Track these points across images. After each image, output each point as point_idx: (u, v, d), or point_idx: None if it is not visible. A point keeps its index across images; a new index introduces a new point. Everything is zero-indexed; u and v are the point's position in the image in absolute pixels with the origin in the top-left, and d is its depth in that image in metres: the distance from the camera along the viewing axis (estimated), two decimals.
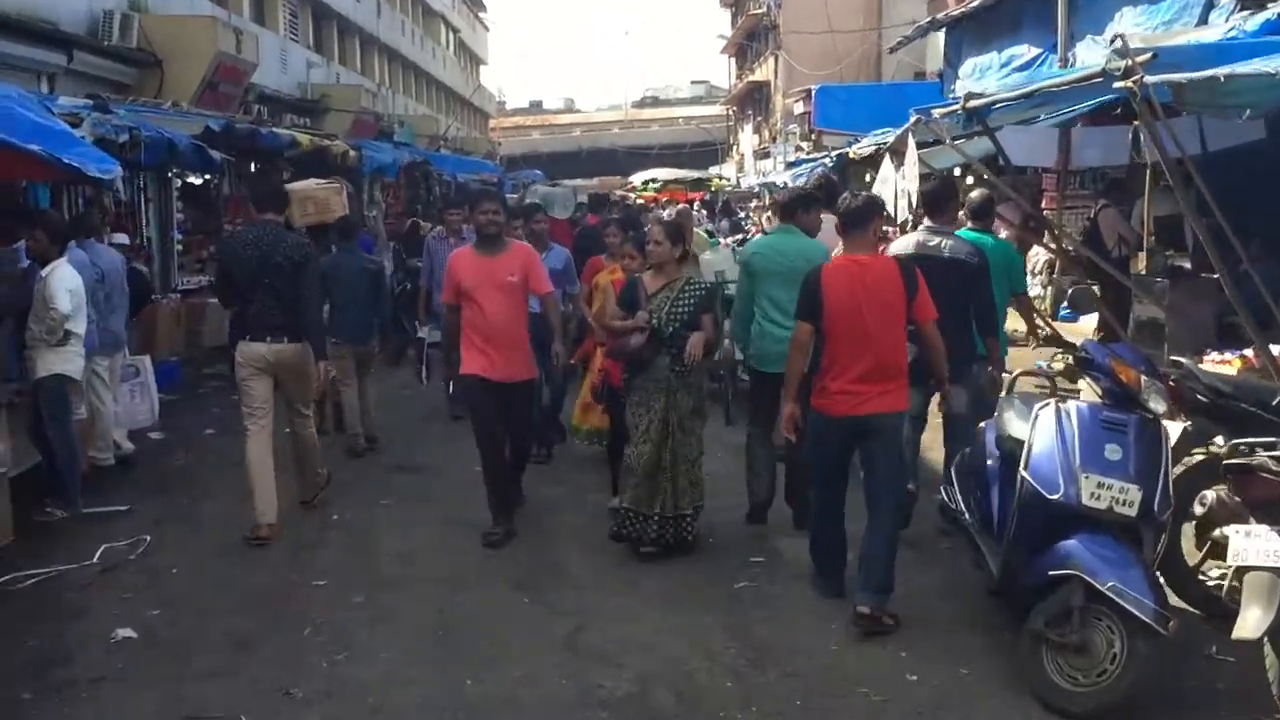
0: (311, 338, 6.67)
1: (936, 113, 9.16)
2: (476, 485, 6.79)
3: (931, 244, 6.38)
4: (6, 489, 6.58)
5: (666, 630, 5.21)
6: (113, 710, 4.50)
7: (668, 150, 59.21)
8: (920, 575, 5.83)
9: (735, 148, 55.64)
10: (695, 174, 36.40)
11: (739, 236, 21.85)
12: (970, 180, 12.88)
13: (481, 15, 63.59)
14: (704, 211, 31.86)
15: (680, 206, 19.33)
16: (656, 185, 31.50)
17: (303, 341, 6.65)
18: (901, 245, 6.52)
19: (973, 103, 8.26)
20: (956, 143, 9.85)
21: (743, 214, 33.19)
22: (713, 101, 74.50)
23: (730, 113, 58.49)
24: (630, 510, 6.11)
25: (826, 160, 22.16)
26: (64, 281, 6.77)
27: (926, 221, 6.62)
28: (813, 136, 35.31)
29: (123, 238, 10.26)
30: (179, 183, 12.71)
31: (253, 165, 15.31)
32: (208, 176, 13.49)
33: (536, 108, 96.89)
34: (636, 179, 34.14)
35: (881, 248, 6.23)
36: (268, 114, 21.17)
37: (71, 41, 15.32)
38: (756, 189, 35.85)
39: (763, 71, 46.92)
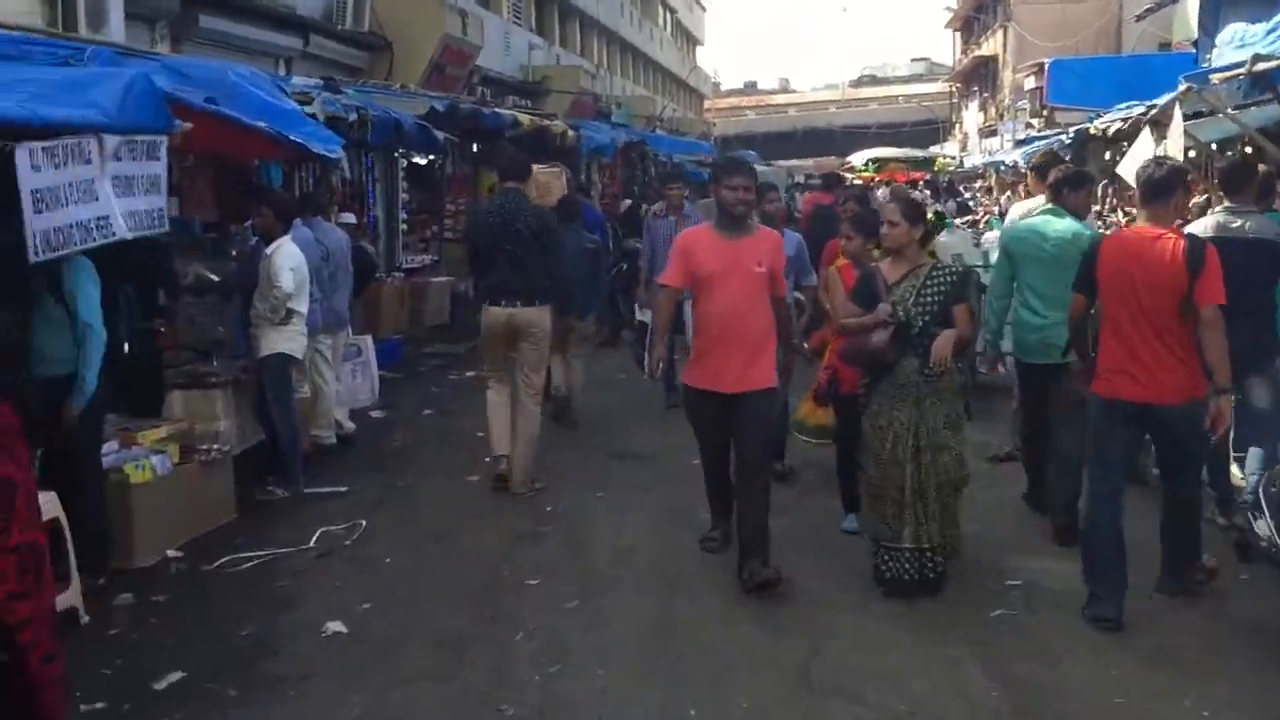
0: (557, 300, 7.09)
1: (1215, 79, 8.15)
2: (695, 477, 6.28)
3: (1234, 225, 5.57)
4: (230, 467, 6.58)
5: (911, 662, 4.59)
6: (319, 711, 4.28)
7: (886, 129, 57.56)
8: (1217, 609, 4.99)
9: (959, 126, 53.43)
10: (917, 153, 34.88)
11: (968, 218, 20.67)
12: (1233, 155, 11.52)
13: None
14: (928, 192, 30.54)
15: (894, 185, 18.52)
16: (875, 165, 30.33)
17: (538, 306, 6.93)
18: (1200, 226, 5.68)
19: (1261, 65, 7.24)
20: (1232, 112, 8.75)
21: (968, 194, 31.59)
22: (934, 79, 72.21)
23: (954, 90, 56.16)
24: (887, 547, 5.27)
25: (1063, 137, 20.87)
26: (288, 259, 6.71)
27: (1225, 201, 5.77)
28: (1044, 113, 33.32)
29: (349, 217, 10.32)
30: (404, 163, 12.82)
31: (475, 146, 15.37)
32: (432, 157, 13.56)
33: (751, 88, 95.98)
34: (856, 159, 33.05)
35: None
36: (490, 95, 21.43)
37: (307, 26, 15.80)
38: (982, 168, 34.10)
39: (990, 46, 44.71)
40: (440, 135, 11.86)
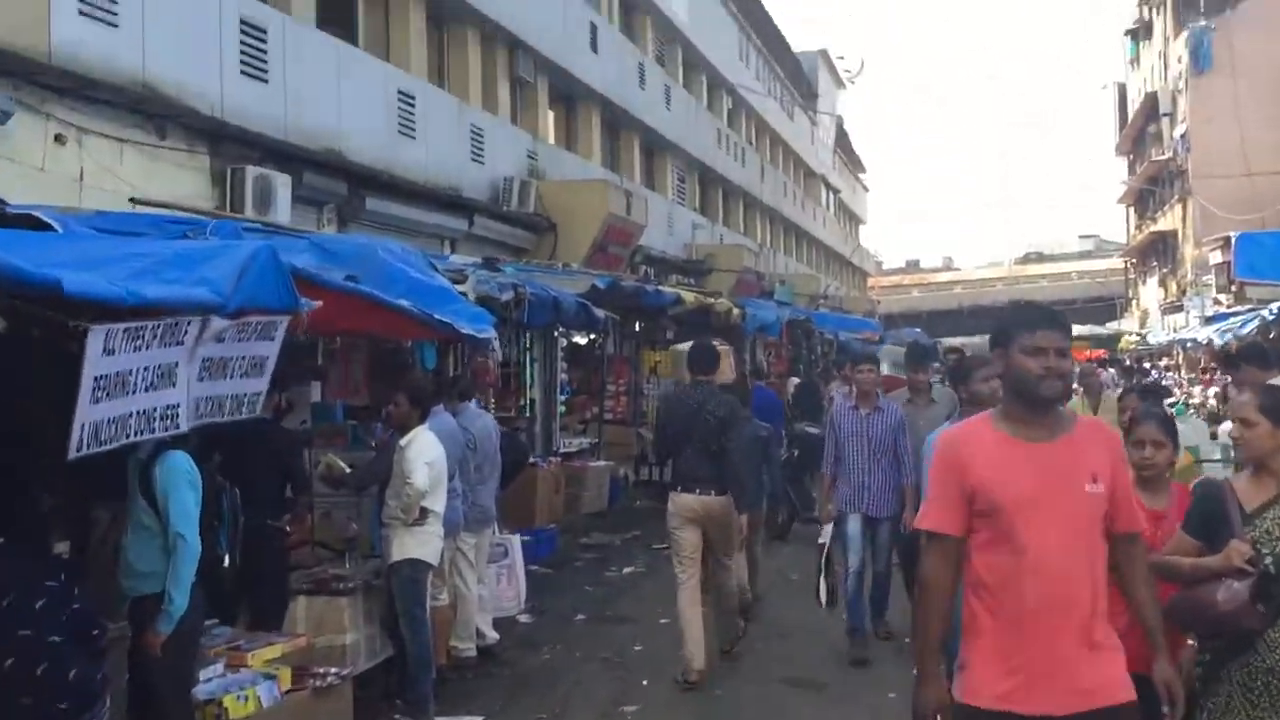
0: (736, 490, 6.89)
1: None
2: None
3: None
4: (349, 694, 5.68)
5: None
6: None
7: (1057, 306, 55.18)
8: None
9: (1135, 302, 51.17)
10: (1099, 329, 33.14)
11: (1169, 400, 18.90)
12: None
13: (861, 176, 63.54)
14: (1112, 370, 28.68)
15: (1083, 364, 17.02)
16: None
17: (728, 494, 6.84)
18: None
19: None
20: None
21: (1155, 373, 29.56)
22: (1104, 255, 70.56)
23: (1129, 265, 54.15)
24: None
25: (1265, 313, 19.15)
26: (423, 452, 5.95)
27: None
28: (1232, 288, 31.40)
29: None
30: (564, 342, 12.29)
31: (637, 324, 14.84)
32: (592, 336, 13.03)
33: (914, 266, 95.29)
34: None
35: None
36: (654, 274, 21.12)
37: (473, 207, 15.78)
38: (1167, 345, 32.13)
39: (1168, 220, 42.91)
40: (600, 313, 11.28)
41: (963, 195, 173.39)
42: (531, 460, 11.02)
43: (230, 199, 10.91)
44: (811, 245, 45.81)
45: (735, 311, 16.63)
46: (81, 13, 8.91)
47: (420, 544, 6.02)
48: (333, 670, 5.54)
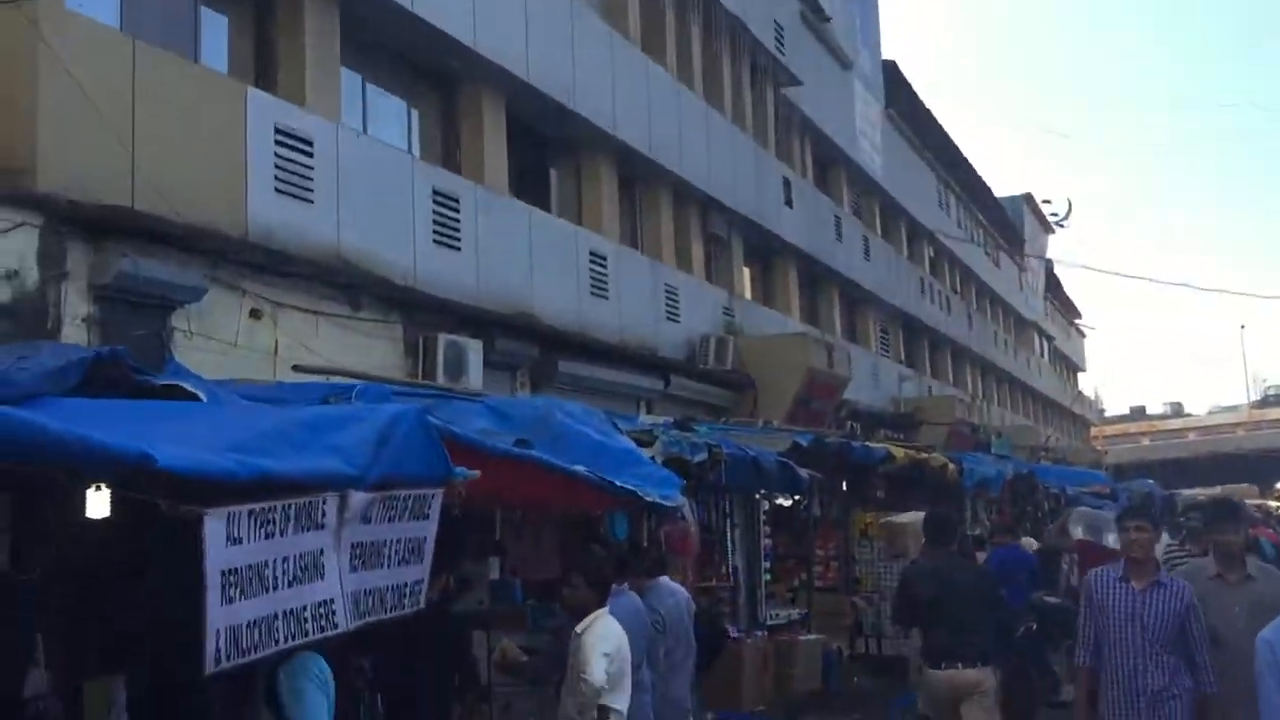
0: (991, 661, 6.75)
1: None
2: None
3: None
4: None
5: None
6: None
7: None
8: None
9: None
10: None
11: None
12: None
13: (1077, 321, 60.66)
14: None
15: None
16: None
17: (980, 667, 6.68)
18: None
19: None
20: None
21: None
22: None
23: None
24: None
25: None
26: (602, 642, 5.16)
27: None
28: None
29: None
30: (766, 505, 11.40)
31: (844, 484, 13.81)
32: (796, 497, 12.11)
33: (1139, 414, 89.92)
34: None
35: None
36: (859, 429, 20.07)
37: (668, 366, 15.35)
38: None
39: None
40: (804, 473, 10.41)
41: (1189, 335, 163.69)
42: (735, 634, 10.09)
43: (422, 367, 10.80)
44: (1028, 395, 43.51)
45: (951, 467, 15.36)
46: (278, 190, 9.05)
47: None
48: None
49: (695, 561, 9.35)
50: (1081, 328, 61.62)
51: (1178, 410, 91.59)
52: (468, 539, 5.99)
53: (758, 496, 11.25)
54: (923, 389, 27.16)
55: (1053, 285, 52.56)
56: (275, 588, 3.23)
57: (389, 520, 3.76)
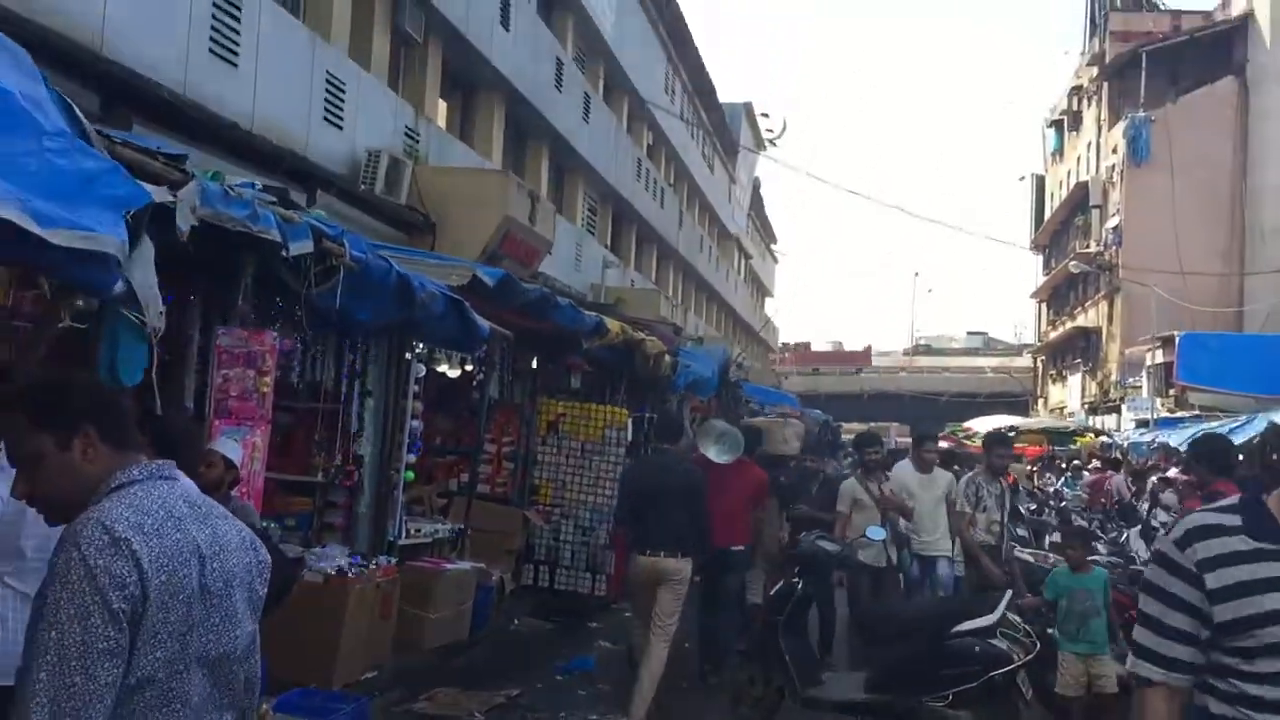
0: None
1: None
2: None
3: None
4: None
5: None
6: None
7: (960, 399, 54.42)
8: None
9: (1044, 400, 49.34)
10: (1057, 424, 30.78)
11: None
12: None
13: (773, 247, 60.57)
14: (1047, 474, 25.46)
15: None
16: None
17: (680, 557, 6.95)
18: None
19: None
20: None
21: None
22: (989, 353, 70.65)
23: (1040, 362, 52.75)
24: None
25: (1249, 426, 16.32)
26: None
27: None
28: (1171, 392, 28.79)
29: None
30: (422, 370, 7.67)
31: (534, 361, 10.34)
32: (469, 366, 8.51)
33: (803, 348, 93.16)
34: (977, 424, 28.11)
35: None
36: None
37: (319, 180, 11.20)
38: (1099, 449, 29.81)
39: (1092, 316, 40.69)
40: (485, 325, 6.80)
41: (859, 281, 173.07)
42: (346, 564, 6.43)
43: None
44: (723, 310, 42.04)
45: (667, 359, 12.31)
46: None
47: None
48: None
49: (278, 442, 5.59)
50: (775, 253, 61.75)
51: (838, 349, 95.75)
52: None
53: (410, 355, 7.50)
54: (626, 280, 24.21)
55: (757, 204, 51.67)
56: None
57: None
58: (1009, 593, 6.26)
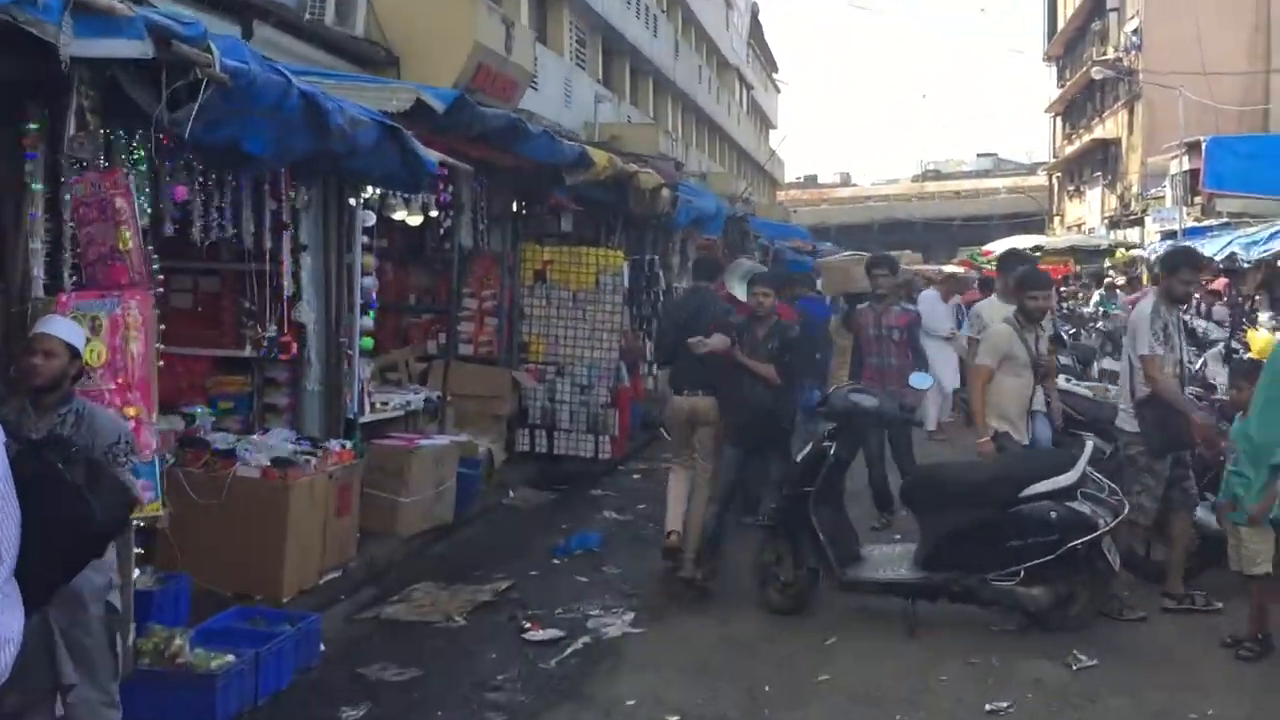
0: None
1: None
2: None
3: None
4: None
5: None
6: None
7: (974, 223, 53.25)
8: None
9: (1060, 218, 47.96)
10: (1090, 241, 29.63)
11: None
12: None
13: (775, 76, 57.99)
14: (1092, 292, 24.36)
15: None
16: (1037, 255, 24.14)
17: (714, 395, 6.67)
18: None
19: None
20: None
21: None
22: (1001, 175, 68.85)
23: (1056, 179, 51.02)
24: None
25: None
26: None
27: None
28: (1196, 201, 27.37)
29: None
30: (371, 217, 6.45)
31: (515, 204, 9.11)
32: (434, 213, 7.27)
33: (811, 182, 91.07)
34: (996, 246, 26.78)
35: None
36: None
37: (256, 7, 9.75)
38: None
39: (1108, 128, 38.84)
40: (434, 157, 5.55)
41: (864, 108, 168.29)
42: (295, 451, 5.38)
43: None
44: (725, 143, 40.30)
45: (666, 194, 11.05)
46: None
47: None
48: None
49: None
50: (778, 83, 59.30)
51: (846, 180, 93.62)
52: None
53: (356, 201, 6.27)
54: (621, 116, 22.62)
55: (756, 31, 49.19)
56: None
57: None
58: (1089, 444, 5.13)
